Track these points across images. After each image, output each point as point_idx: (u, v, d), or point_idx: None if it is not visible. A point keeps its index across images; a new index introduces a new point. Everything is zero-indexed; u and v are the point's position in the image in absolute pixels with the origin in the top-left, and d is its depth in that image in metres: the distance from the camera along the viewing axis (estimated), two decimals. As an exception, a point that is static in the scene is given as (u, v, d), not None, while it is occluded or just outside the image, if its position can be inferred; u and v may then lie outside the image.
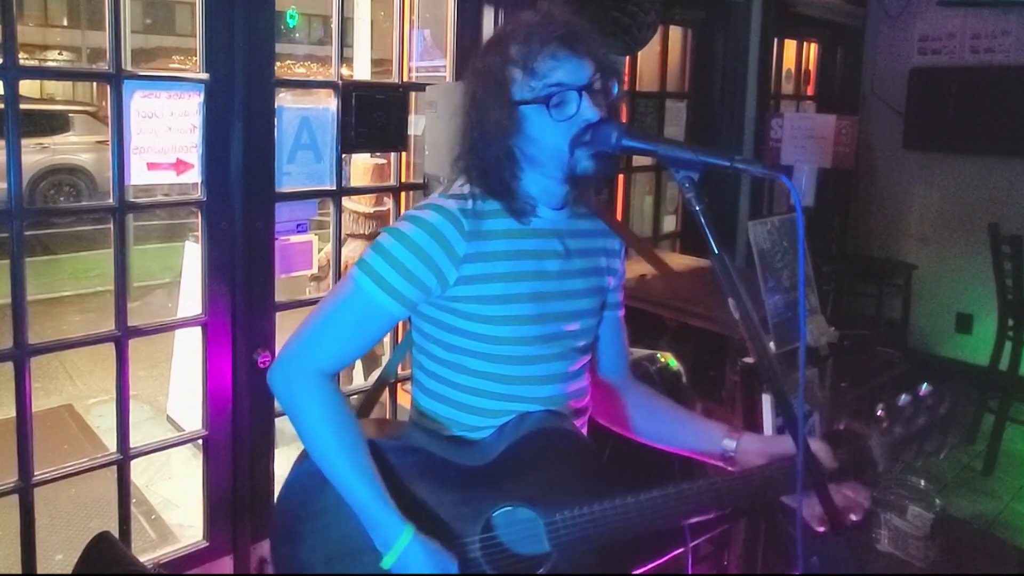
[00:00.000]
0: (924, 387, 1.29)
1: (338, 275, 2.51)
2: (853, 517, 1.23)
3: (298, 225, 2.35)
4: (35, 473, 1.93)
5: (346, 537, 1.17)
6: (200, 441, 2.25)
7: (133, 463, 2.13)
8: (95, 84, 13.62)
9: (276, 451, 2.36)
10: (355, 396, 3.14)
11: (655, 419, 1.42)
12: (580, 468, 1.24)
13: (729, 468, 1.31)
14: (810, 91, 4.98)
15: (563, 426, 1.25)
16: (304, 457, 1.21)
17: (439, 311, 1.23)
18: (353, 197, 3.75)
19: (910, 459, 1.27)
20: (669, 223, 4.16)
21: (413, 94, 2.61)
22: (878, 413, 1.28)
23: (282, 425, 2.41)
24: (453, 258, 1.18)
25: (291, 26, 16.34)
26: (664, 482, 1.22)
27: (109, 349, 2.06)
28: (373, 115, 2.42)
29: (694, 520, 1.26)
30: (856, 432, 1.27)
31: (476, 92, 1.20)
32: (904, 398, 1.27)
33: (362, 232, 3.84)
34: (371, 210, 3.81)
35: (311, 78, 9.36)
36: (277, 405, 2.35)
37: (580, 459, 1.24)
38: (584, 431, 1.35)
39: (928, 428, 1.27)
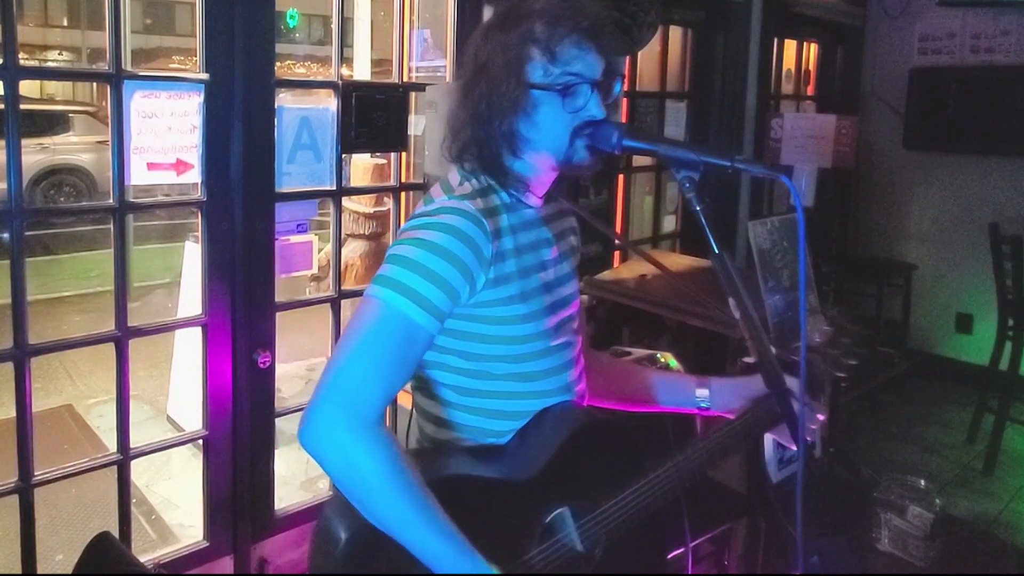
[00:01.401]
0: (834, 309, 1.41)
1: (338, 275, 2.51)
2: (818, 418, 1.33)
3: (298, 225, 2.35)
4: (35, 473, 1.93)
5: None
6: (200, 441, 2.25)
7: (133, 463, 2.12)
8: (95, 84, 13.61)
9: (276, 451, 2.36)
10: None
11: (626, 384, 1.44)
12: (615, 449, 1.25)
13: (706, 416, 1.40)
14: (810, 91, 4.98)
15: (588, 416, 1.25)
16: (341, 514, 1.05)
17: (460, 321, 1.15)
18: (353, 197, 3.75)
19: (839, 371, 1.41)
20: (669, 223, 4.16)
21: (413, 94, 2.61)
22: (816, 338, 1.42)
23: (282, 425, 2.42)
24: (482, 262, 1.12)
25: (291, 26, 16.34)
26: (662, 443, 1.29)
27: (109, 349, 2.06)
28: (373, 115, 2.42)
29: (711, 470, 1.31)
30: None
31: (488, 63, 1.15)
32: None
33: (362, 232, 3.84)
34: (371, 210, 3.81)
35: (311, 78, 9.37)
36: (277, 405, 2.36)
37: (612, 440, 1.26)
38: None
39: (848, 344, 1.41)
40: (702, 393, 1.38)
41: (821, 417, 1.31)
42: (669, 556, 1.50)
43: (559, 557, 1.18)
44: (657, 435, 1.37)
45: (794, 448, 1.27)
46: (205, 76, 2.08)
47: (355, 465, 0.99)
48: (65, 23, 18.69)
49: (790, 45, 4.65)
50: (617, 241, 3.44)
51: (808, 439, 1.29)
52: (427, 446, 1.28)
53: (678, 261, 3.11)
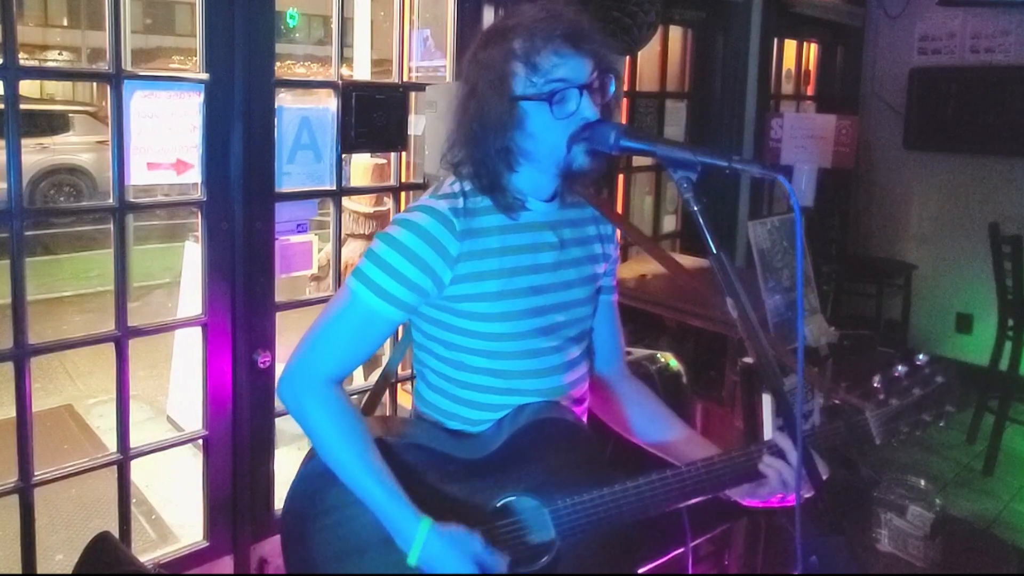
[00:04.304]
0: (920, 357, 1.26)
1: (338, 275, 2.51)
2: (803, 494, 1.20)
3: (298, 225, 2.35)
4: (35, 473, 1.93)
5: (355, 533, 1.20)
6: (200, 441, 2.25)
7: (133, 463, 2.13)
8: (95, 84, 13.61)
9: (276, 451, 2.36)
10: (356, 395, 3.15)
11: (653, 425, 1.42)
12: (579, 456, 1.25)
13: None
14: (810, 91, 4.98)
15: (560, 415, 1.26)
16: (310, 457, 1.23)
17: (438, 311, 1.23)
18: (353, 197, 3.76)
19: (907, 431, 1.25)
20: (669, 223, 4.16)
21: (413, 94, 2.61)
22: (874, 385, 1.26)
23: (282, 425, 2.42)
24: (447, 259, 1.18)
25: (291, 26, 16.35)
26: (660, 467, 1.24)
27: (109, 349, 2.06)
28: (373, 115, 2.42)
29: (694, 501, 1.25)
30: (851, 405, 1.27)
31: (476, 84, 1.19)
32: (900, 368, 1.25)
33: (362, 232, 3.84)
34: (371, 210, 3.81)
35: (311, 78, 9.36)
36: (277, 405, 2.36)
37: (579, 447, 1.25)
38: (584, 419, 1.36)
39: (925, 399, 1.25)
40: None
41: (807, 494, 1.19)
42: (659, 561, 1.49)
43: (505, 542, 1.20)
44: (628, 454, 1.35)
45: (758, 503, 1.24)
46: (205, 76, 2.08)
47: (305, 411, 1.19)
48: (65, 23, 18.69)
49: (790, 45, 4.65)
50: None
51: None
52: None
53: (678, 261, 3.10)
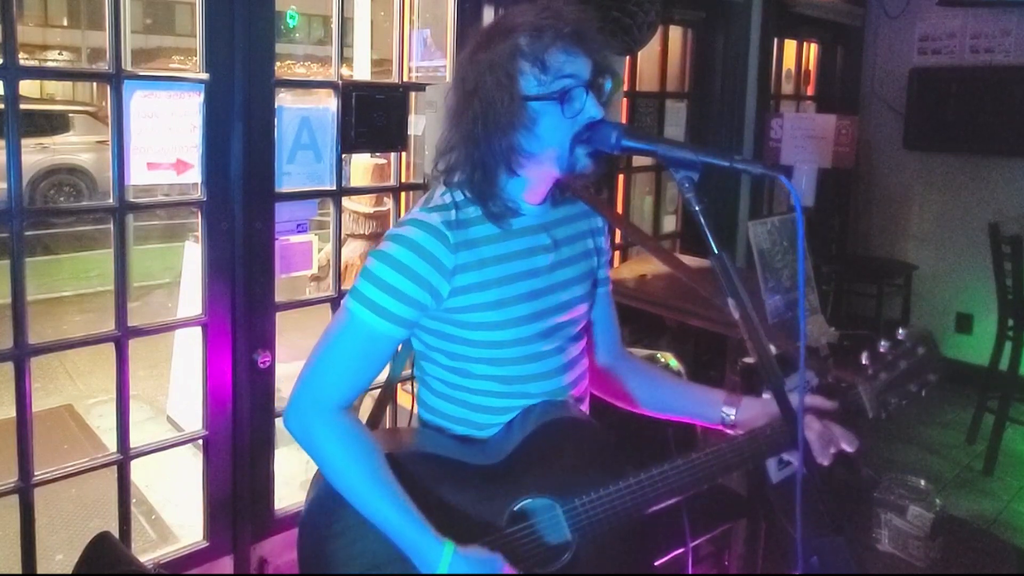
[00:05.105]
0: (901, 331, 1.33)
1: (338, 275, 2.51)
2: (844, 448, 1.25)
3: (298, 225, 2.35)
4: (35, 473, 1.93)
5: (374, 551, 1.17)
6: (200, 441, 2.25)
7: (133, 463, 2.13)
8: (95, 84, 13.61)
9: (276, 451, 2.36)
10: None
11: (655, 390, 1.44)
12: (591, 453, 1.25)
13: (729, 432, 1.33)
14: (810, 91, 4.98)
15: (570, 414, 1.26)
16: (321, 478, 1.21)
17: (439, 323, 1.22)
18: (353, 197, 3.76)
19: (896, 402, 1.31)
20: (669, 223, 4.16)
21: (413, 94, 2.61)
22: (863, 361, 1.32)
23: (282, 425, 2.41)
24: (443, 272, 1.17)
25: (291, 26, 16.35)
26: (664, 455, 1.25)
27: (109, 349, 2.06)
28: (373, 115, 2.42)
29: (705, 487, 1.26)
30: (844, 382, 1.31)
31: (479, 84, 1.15)
32: (884, 343, 1.32)
33: (362, 232, 3.84)
34: (371, 210, 3.82)
35: (311, 78, 9.36)
36: (277, 405, 2.36)
37: (590, 444, 1.26)
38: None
39: (910, 370, 1.32)
40: (728, 412, 1.35)
41: (849, 448, 1.25)
42: (659, 561, 1.49)
43: (524, 546, 1.20)
44: (641, 442, 1.36)
45: (823, 463, 1.25)
46: (205, 76, 2.08)
47: (313, 441, 1.17)
48: (65, 23, 18.69)
49: (790, 45, 4.65)
50: (622, 234, 3.43)
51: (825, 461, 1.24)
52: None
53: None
